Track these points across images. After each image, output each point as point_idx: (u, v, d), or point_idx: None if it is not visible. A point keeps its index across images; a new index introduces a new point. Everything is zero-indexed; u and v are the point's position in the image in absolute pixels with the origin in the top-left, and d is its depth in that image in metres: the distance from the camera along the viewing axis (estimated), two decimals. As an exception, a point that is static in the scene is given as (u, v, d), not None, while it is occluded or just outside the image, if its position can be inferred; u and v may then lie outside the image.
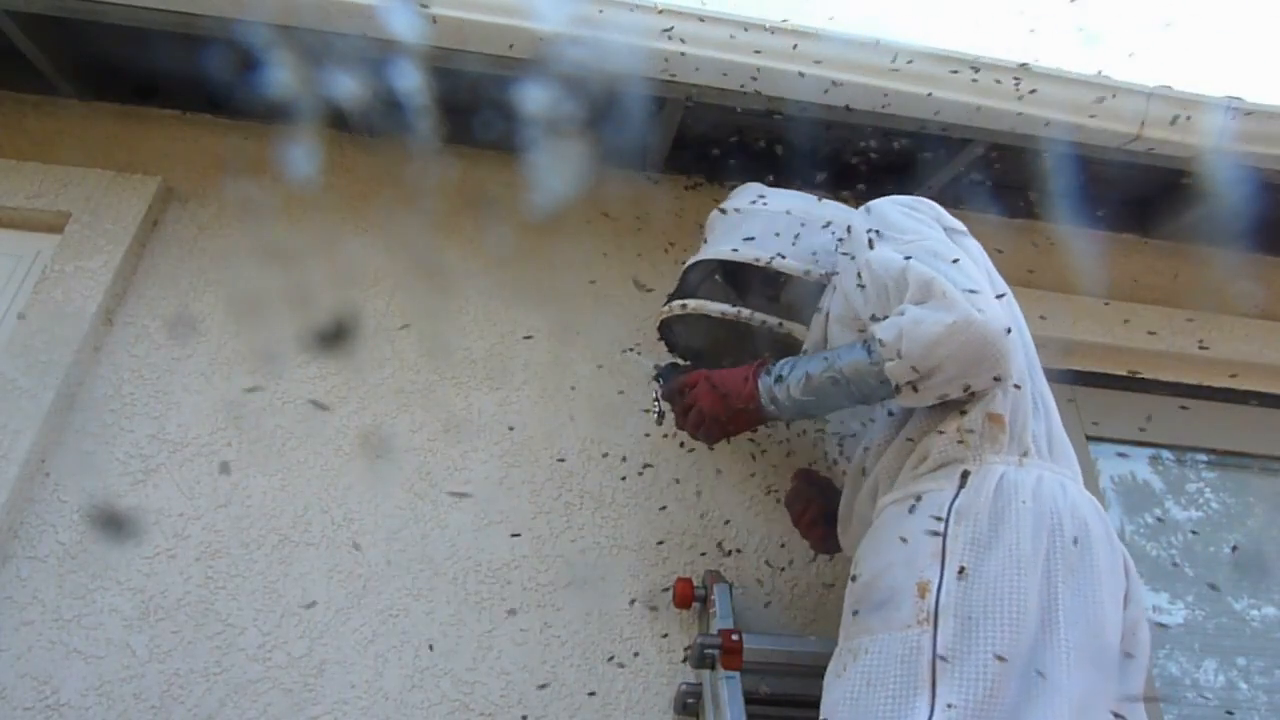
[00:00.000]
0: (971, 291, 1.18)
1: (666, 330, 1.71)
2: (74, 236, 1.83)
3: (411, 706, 1.50)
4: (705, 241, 1.68)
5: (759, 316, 1.57)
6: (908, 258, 1.25)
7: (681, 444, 1.79)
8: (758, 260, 1.55)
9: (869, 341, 1.24)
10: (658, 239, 2.07)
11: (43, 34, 1.83)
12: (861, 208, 1.43)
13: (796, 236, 1.56)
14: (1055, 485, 1.17)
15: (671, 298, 1.65)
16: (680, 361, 1.66)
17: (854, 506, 1.41)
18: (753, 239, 1.57)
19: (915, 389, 1.19)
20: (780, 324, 1.58)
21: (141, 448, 1.66)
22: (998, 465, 1.18)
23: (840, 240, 1.50)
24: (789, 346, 1.59)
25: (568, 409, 1.82)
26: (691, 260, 1.65)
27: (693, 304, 1.60)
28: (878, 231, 1.34)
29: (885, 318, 1.24)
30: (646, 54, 1.71)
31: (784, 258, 1.54)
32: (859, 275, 1.34)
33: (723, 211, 1.68)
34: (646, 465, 1.79)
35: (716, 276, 1.65)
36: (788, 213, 1.60)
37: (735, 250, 1.57)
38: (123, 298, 1.82)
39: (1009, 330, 1.17)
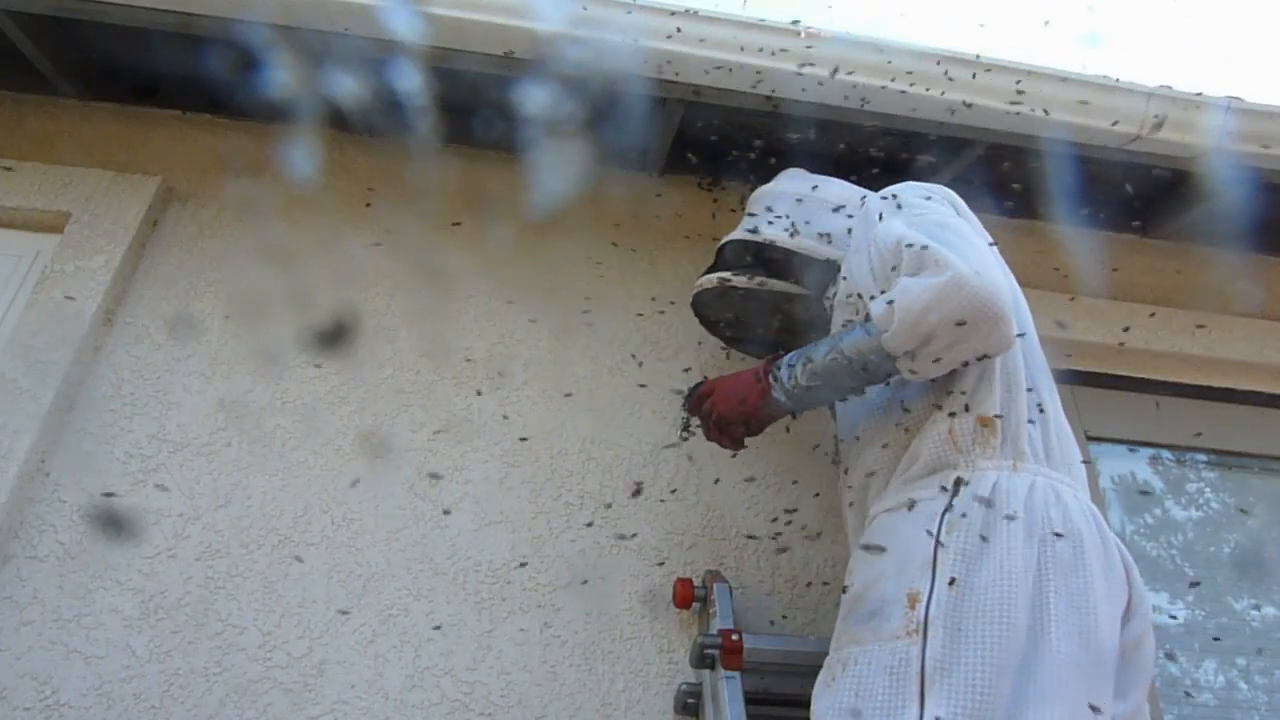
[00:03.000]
0: (967, 255, 1.16)
1: (700, 305, 1.78)
2: (74, 236, 1.83)
3: (411, 706, 1.50)
4: (743, 219, 1.74)
5: (782, 287, 1.62)
6: (907, 229, 1.25)
7: (680, 438, 1.79)
8: (774, 240, 1.59)
9: (866, 320, 1.23)
10: (658, 239, 2.07)
11: (43, 34, 1.83)
12: (879, 191, 1.44)
13: (824, 219, 1.59)
14: (1049, 492, 1.16)
15: (706, 272, 1.71)
16: (704, 380, 1.67)
17: (848, 504, 1.41)
18: (779, 221, 1.61)
19: (914, 359, 1.17)
20: (803, 294, 1.62)
21: (141, 448, 1.66)
22: (990, 471, 1.17)
23: (851, 218, 1.53)
24: (817, 319, 1.61)
25: (568, 409, 1.82)
26: (726, 238, 1.70)
27: (717, 276, 1.66)
28: (896, 206, 1.34)
29: (881, 293, 1.23)
30: (646, 54, 1.72)
31: (804, 239, 1.58)
32: (868, 253, 1.34)
33: (761, 192, 1.73)
34: (646, 465, 1.79)
35: (748, 257, 1.67)
36: (819, 198, 1.64)
37: (770, 229, 1.62)
38: (123, 298, 1.82)
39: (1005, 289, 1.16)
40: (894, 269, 1.23)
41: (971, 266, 1.13)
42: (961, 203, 1.39)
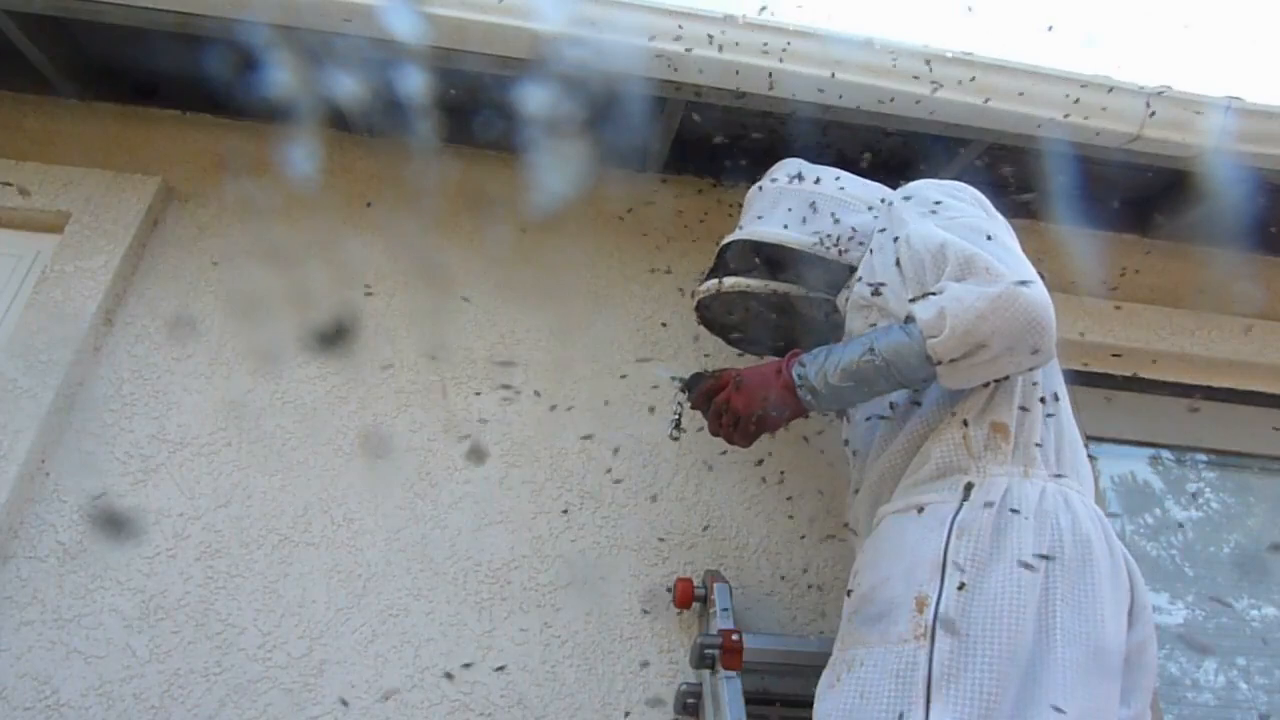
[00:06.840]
0: (1014, 266, 1.16)
1: (704, 310, 1.69)
2: (74, 236, 1.83)
3: (411, 706, 1.50)
4: (742, 217, 1.65)
5: (794, 290, 1.53)
6: (946, 233, 1.23)
7: (670, 436, 1.79)
8: (782, 241, 1.51)
9: (907, 322, 1.21)
10: (658, 239, 2.07)
11: (43, 34, 1.83)
12: (900, 188, 1.41)
13: (831, 216, 1.52)
14: (1058, 499, 1.16)
15: (708, 276, 1.62)
16: (704, 371, 1.64)
17: (856, 505, 1.40)
18: (782, 219, 1.54)
19: (958, 366, 1.16)
20: (815, 295, 1.54)
21: (141, 448, 1.66)
22: (1001, 478, 1.17)
23: (876, 218, 1.47)
24: (826, 321, 1.57)
25: (567, 409, 1.82)
26: (726, 240, 1.62)
27: (729, 281, 1.57)
28: (926, 207, 1.32)
29: (924, 296, 1.20)
30: (646, 54, 1.71)
31: (812, 239, 1.50)
32: (896, 253, 1.31)
33: (760, 188, 1.64)
34: (647, 465, 1.79)
35: (756, 258, 1.60)
36: (823, 193, 1.56)
37: (780, 231, 1.53)
38: (123, 298, 1.82)
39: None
40: (930, 273, 1.22)
41: (1019, 277, 1.13)
42: (987, 202, 1.37)
